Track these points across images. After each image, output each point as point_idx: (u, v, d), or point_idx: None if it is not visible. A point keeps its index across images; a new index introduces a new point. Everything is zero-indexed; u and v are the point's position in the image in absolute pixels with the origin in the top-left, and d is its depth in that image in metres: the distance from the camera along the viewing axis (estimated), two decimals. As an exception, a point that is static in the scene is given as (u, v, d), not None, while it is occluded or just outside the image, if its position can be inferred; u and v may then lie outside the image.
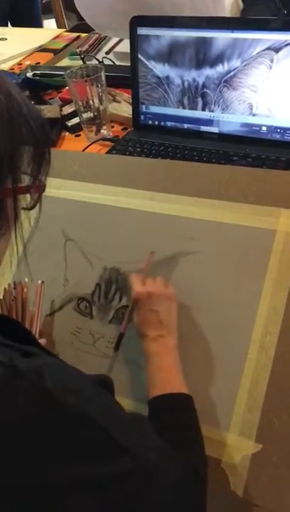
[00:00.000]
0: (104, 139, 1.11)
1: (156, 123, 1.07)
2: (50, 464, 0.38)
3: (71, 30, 1.86)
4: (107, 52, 1.50)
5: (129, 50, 1.02)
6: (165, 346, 0.63)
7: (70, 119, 1.20)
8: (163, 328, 0.65)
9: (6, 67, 1.58)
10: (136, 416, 0.48)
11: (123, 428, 0.44)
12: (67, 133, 1.20)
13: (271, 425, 0.62)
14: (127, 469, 0.42)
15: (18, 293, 0.74)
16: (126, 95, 1.19)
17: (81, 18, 1.47)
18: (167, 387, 0.59)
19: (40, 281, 0.78)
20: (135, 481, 0.42)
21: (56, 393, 0.40)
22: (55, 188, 0.89)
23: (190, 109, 1.02)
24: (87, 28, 1.59)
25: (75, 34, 1.73)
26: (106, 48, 1.52)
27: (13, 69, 1.57)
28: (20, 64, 1.60)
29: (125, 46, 1.41)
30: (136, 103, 1.07)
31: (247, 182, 0.75)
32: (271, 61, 0.90)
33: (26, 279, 0.76)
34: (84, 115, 1.11)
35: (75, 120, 1.18)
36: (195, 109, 1.01)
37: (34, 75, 1.39)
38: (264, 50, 0.90)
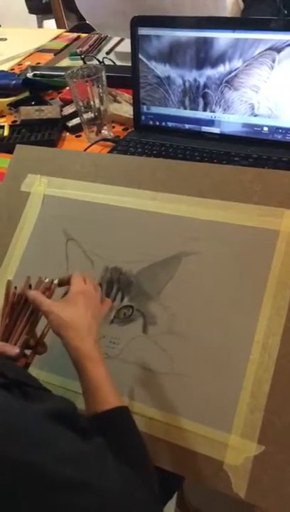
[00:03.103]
0: (105, 140, 1.11)
1: (157, 123, 1.07)
2: None
3: (71, 30, 1.86)
4: (108, 53, 1.49)
5: (129, 50, 1.02)
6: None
7: (71, 119, 1.20)
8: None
9: (5, 67, 1.58)
10: (95, 445, 0.47)
11: (80, 464, 0.43)
12: (67, 133, 1.20)
13: (274, 427, 0.61)
14: (93, 504, 0.41)
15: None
16: (126, 95, 1.19)
17: (81, 18, 1.47)
18: (103, 402, 0.56)
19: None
20: None
21: None
22: (57, 187, 0.89)
23: (191, 109, 1.01)
24: (87, 28, 1.59)
25: (75, 34, 1.73)
26: (106, 48, 1.52)
27: (13, 69, 1.57)
28: (20, 64, 1.60)
29: (126, 46, 1.41)
30: (136, 103, 1.06)
31: (250, 182, 0.74)
32: (273, 61, 0.89)
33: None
34: (85, 115, 1.11)
35: (76, 121, 1.18)
36: (196, 110, 1.01)
37: (34, 75, 1.39)
38: (265, 50, 0.89)
